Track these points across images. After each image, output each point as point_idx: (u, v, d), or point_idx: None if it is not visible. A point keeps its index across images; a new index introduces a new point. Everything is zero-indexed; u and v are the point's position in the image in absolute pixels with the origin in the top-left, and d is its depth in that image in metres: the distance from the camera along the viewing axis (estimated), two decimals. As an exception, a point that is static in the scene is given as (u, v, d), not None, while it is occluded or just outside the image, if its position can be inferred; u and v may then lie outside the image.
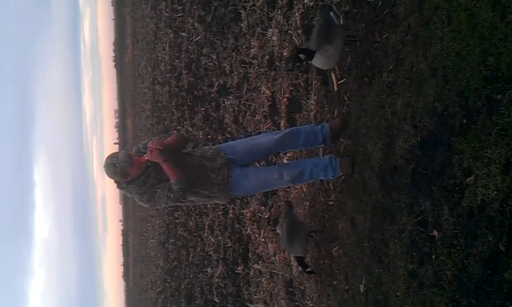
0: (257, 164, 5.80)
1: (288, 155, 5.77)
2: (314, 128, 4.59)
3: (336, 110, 4.72)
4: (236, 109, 7.85)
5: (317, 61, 4.15)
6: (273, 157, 6.13)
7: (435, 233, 3.17)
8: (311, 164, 4.56)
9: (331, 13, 4.23)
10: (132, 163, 4.19)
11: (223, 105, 8.54)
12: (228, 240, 8.23)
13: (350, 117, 4.44)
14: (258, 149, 4.55)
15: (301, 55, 4.17)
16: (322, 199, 5.01)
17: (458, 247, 2.96)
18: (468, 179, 2.92)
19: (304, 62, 4.40)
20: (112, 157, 4.25)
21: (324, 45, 4.04)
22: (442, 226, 3.11)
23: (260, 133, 6.04)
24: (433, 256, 3.17)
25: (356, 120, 4.37)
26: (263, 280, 6.62)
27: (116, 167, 4.19)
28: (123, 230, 46.77)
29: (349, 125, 4.45)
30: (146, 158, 4.17)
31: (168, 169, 4.15)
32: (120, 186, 4.41)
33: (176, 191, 4.22)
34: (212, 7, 9.14)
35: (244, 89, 7.52)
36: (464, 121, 2.99)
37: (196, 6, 10.16)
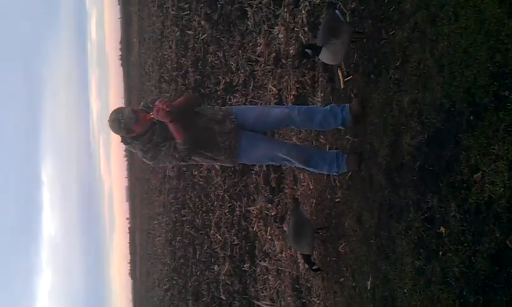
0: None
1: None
2: (334, 108, 4.46)
3: (352, 94, 4.63)
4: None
5: (324, 56, 4.14)
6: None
7: (442, 229, 3.17)
8: (318, 155, 4.53)
9: (337, 11, 4.24)
10: (138, 119, 4.11)
11: (229, 102, 8.54)
12: (234, 238, 8.24)
13: (366, 100, 4.35)
14: (269, 118, 4.45)
15: (307, 50, 4.16)
16: (329, 196, 5.01)
17: (465, 244, 2.96)
18: (475, 175, 2.92)
19: (311, 59, 4.38)
20: (117, 112, 4.17)
21: (331, 40, 4.03)
22: (449, 223, 3.11)
23: None
24: (440, 253, 3.17)
25: (362, 117, 4.36)
26: (270, 277, 6.63)
27: (120, 123, 4.12)
28: (129, 228, 46.83)
29: (366, 109, 4.33)
30: (152, 116, 4.08)
31: (174, 129, 4.07)
32: (124, 141, 4.35)
33: (182, 151, 4.16)
34: (219, 5, 9.14)
35: (251, 87, 7.52)
36: (472, 117, 2.99)
37: (202, 4, 10.17)
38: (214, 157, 4.37)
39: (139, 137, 4.23)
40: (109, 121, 4.19)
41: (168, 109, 3.98)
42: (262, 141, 4.43)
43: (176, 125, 4.07)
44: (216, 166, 9.18)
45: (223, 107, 4.55)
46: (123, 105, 4.12)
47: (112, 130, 4.22)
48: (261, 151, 4.39)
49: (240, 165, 7.70)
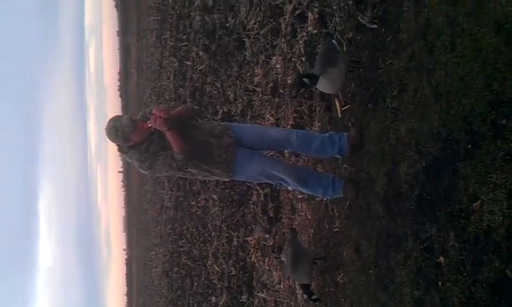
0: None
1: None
2: (332, 136, 4.45)
3: (350, 123, 4.63)
4: (240, 136, 7.85)
5: (322, 85, 4.14)
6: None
7: (441, 259, 3.14)
8: (314, 176, 4.50)
9: (334, 41, 4.26)
10: (135, 128, 4.08)
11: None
12: (232, 268, 8.17)
13: (363, 130, 4.35)
14: (267, 138, 4.43)
15: (305, 80, 4.16)
16: (327, 226, 4.98)
17: (465, 274, 2.93)
18: (473, 204, 2.90)
19: (308, 89, 4.39)
20: (115, 120, 4.13)
21: (328, 68, 4.04)
22: (448, 252, 3.08)
23: None
24: (440, 283, 3.14)
25: (360, 146, 4.35)
26: (267, 309, 6.56)
27: (118, 131, 4.08)
28: (126, 259, 46.54)
29: (364, 139, 4.32)
30: (149, 124, 4.04)
31: (172, 138, 4.03)
32: (121, 150, 4.29)
33: (179, 160, 4.11)
34: (217, 36, 9.21)
35: (248, 117, 7.54)
36: (469, 146, 2.98)
37: (200, 35, 10.25)
38: (210, 170, 4.31)
39: (136, 146, 4.20)
40: (106, 128, 4.15)
41: (165, 117, 3.95)
42: (258, 157, 4.39)
43: (174, 133, 4.03)
44: (214, 196, 9.16)
45: (221, 123, 4.52)
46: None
47: (109, 138, 4.17)
48: (257, 167, 4.34)
49: (237, 191, 7.68)
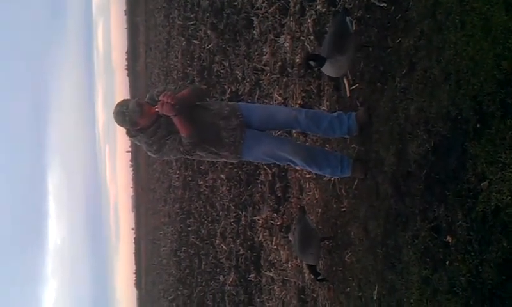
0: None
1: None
2: (341, 116, 4.41)
3: (358, 102, 4.62)
4: (248, 115, 7.84)
5: (327, 69, 4.10)
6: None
7: (449, 238, 3.14)
8: (322, 155, 4.44)
9: (348, 19, 4.12)
10: (143, 113, 4.09)
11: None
12: (240, 248, 8.22)
13: (372, 109, 4.33)
14: (276, 118, 4.41)
15: (311, 62, 4.10)
16: (335, 206, 4.99)
17: (472, 253, 2.93)
18: (482, 184, 2.90)
19: (315, 69, 4.36)
20: (122, 105, 4.15)
21: (336, 55, 3.98)
22: (456, 232, 3.08)
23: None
24: (447, 262, 3.14)
25: (369, 125, 4.34)
26: (275, 287, 6.60)
27: (125, 115, 4.10)
28: (135, 238, 46.84)
29: (372, 117, 4.31)
30: (156, 109, 4.03)
31: (179, 123, 4.04)
32: (129, 133, 4.31)
33: (186, 144, 4.13)
34: (225, 15, 9.17)
35: (256, 96, 7.52)
36: (478, 125, 2.97)
37: (208, 14, 10.19)
38: (218, 152, 4.32)
39: (144, 130, 4.21)
40: (113, 113, 4.17)
41: (172, 102, 3.94)
42: (266, 138, 4.38)
43: (181, 118, 4.03)
44: (222, 176, 9.18)
45: (229, 102, 4.47)
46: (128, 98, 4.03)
47: (117, 123, 4.20)
48: (265, 148, 4.33)
49: (245, 170, 7.69)
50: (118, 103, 4.21)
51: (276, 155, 4.36)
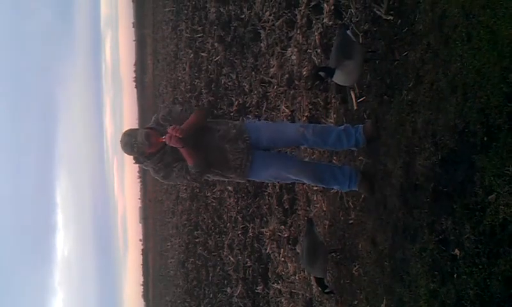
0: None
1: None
2: (348, 129, 4.41)
3: (365, 115, 4.63)
4: (256, 128, 7.86)
5: (338, 78, 4.12)
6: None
7: (457, 252, 3.14)
8: (329, 172, 4.45)
9: (348, 32, 4.24)
10: (151, 144, 4.15)
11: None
12: (247, 260, 8.21)
13: (379, 121, 4.34)
14: (284, 137, 4.43)
15: (321, 73, 4.15)
16: (342, 218, 4.98)
17: (480, 266, 2.93)
18: (489, 197, 2.89)
19: (324, 81, 4.38)
20: (130, 136, 4.20)
21: (344, 61, 4.02)
22: (464, 245, 3.07)
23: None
24: (455, 276, 3.13)
25: (376, 138, 4.35)
26: (283, 300, 6.58)
27: (133, 147, 4.18)
28: (143, 250, 46.88)
29: (379, 130, 4.31)
30: (164, 140, 4.07)
31: (186, 154, 4.10)
32: (136, 160, 4.41)
33: (193, 174, 4.21)
34: (232, 28, 9.22)
35: (264, 108, 7.54)
36: (485, 138, 2.97)
37: (215, 27, 10.25)
38: (225, 175, 4.37)
39: (150, 156, 4.27)
40: (121, 143, 4.24)
41: (180, 136, 3.99)
42: (273, 160, 4.41)
43: (188, 150, 4.08)
44: (229, 187, 9.19)
45: (236, 122, 4.46)
46: (136, 127, 4.06)
47: (125, 152, 4.28)
48: (272, 172, 4.39)
49: (252, 183, 7.70)
50: (125, 133, 4.27)
51: (282, 177, 4.46)
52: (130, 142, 4.18)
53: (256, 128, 4.44)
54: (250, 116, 8.07)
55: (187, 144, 4.05)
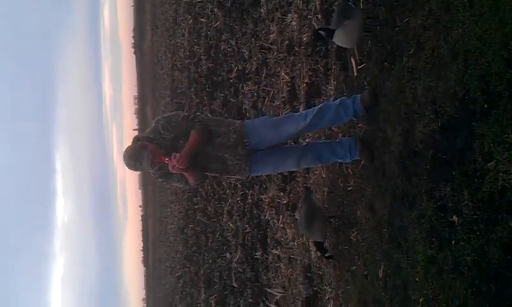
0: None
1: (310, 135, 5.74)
2: (344, 102, 4.37)
3: (365, 81, 4.61)
4: (255, 94, 7.85)
5: (338, 38, 4.12)
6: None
7: (455, 218, 3.15)
8: (328, 150, 4.47)
9: (349, 1, 4.22)
10: (154, 164, 4.21)
11: (241, 90, 8.54)
12: (246, 226, 8.26)
13: (379, 89, 4.31)
14: (283, 135, 4.43)
15: (321, 32, 4.20)
16: (341, 185, 5.00)
17: (478, 233, 2.95)
18: (488, 164, 2.90)
19: (325, 42, 4.35)
20: (136, 159, 4.17)
21: (344, 21, 4.02)
22: (462, 212, 3.09)
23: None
24: (453, 242, 3.16)
25: (374, 106, 4.34)
26: (281, 265, 6.64)
27: (137, 168, 4.29)
28: (142, 216, 47.15)
29: (378, 98, 4.29)
30: (167, 162, 4.11)
31: (187, 175, 4.23)
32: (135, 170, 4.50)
33: (193, 185, 4.47)
34: (232, -7, 9.13)
35: (263, 75, 7.51)
36: (486, 105, 2.96)
37: (215, -8, 10.16)
38: (224, 175, 4.67)
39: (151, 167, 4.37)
40: (124, 160, 4.23)
41: (181, 167, 4.05)
42: (272, 159, 4.48)
43: (189, 172, 4.18)
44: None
45: (236, 124, 4.38)
46: (135, 142, 3.94)
47: (127, 167, 4.32)
48: (271, 169, 4.82)
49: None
50: (130, 155, 4.20)
51: (281, 169, 4.92)
52: (136, 166, 4.25)
53: (256, 132, 4.34)
54: (250, 83, 8.05)
55: (188, 169, 4.12)
